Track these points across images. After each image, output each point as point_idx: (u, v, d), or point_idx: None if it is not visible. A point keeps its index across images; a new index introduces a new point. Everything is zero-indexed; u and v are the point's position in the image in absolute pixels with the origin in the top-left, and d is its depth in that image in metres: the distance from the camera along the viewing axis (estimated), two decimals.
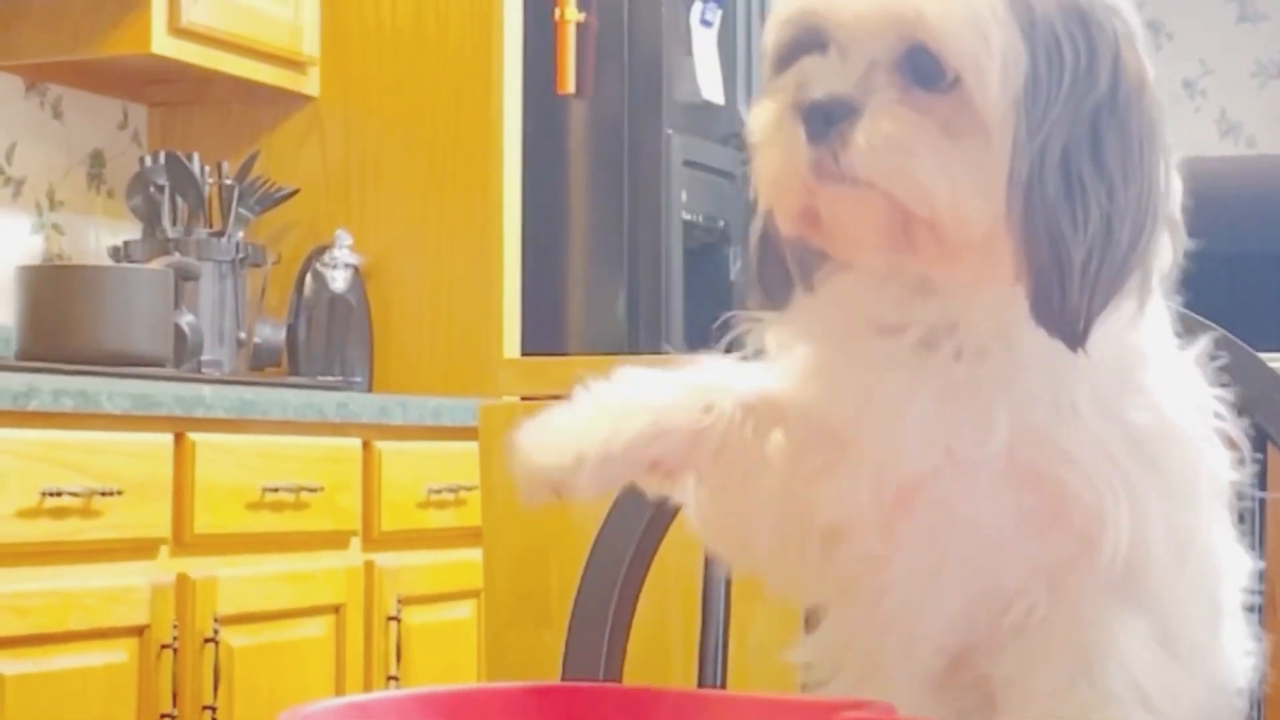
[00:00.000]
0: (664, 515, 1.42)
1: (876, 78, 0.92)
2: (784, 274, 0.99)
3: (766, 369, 1.02)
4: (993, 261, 0.92)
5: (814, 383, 0.99)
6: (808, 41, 0.94)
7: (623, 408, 1.01)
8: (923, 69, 0.91)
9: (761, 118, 0.95)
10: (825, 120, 0.91)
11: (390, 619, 3.35)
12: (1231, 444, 1.01)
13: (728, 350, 1.06)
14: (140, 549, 2.91)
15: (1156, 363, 0.98)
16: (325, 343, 3.83)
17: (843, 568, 1.00)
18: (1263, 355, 1.30)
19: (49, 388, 2.73)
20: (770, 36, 0.97)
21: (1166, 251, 0.95)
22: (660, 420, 1.00)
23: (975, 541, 0.96)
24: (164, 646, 2.88)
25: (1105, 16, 0.93)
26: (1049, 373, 0.94)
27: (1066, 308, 0.91)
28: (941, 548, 0.97)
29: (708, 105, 4.15)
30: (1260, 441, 1.28)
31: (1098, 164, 0.91)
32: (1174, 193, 0.96)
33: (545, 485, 1.02)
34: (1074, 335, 0.91)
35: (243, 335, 3.75)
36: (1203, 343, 1.01)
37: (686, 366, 1.03)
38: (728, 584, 1.40)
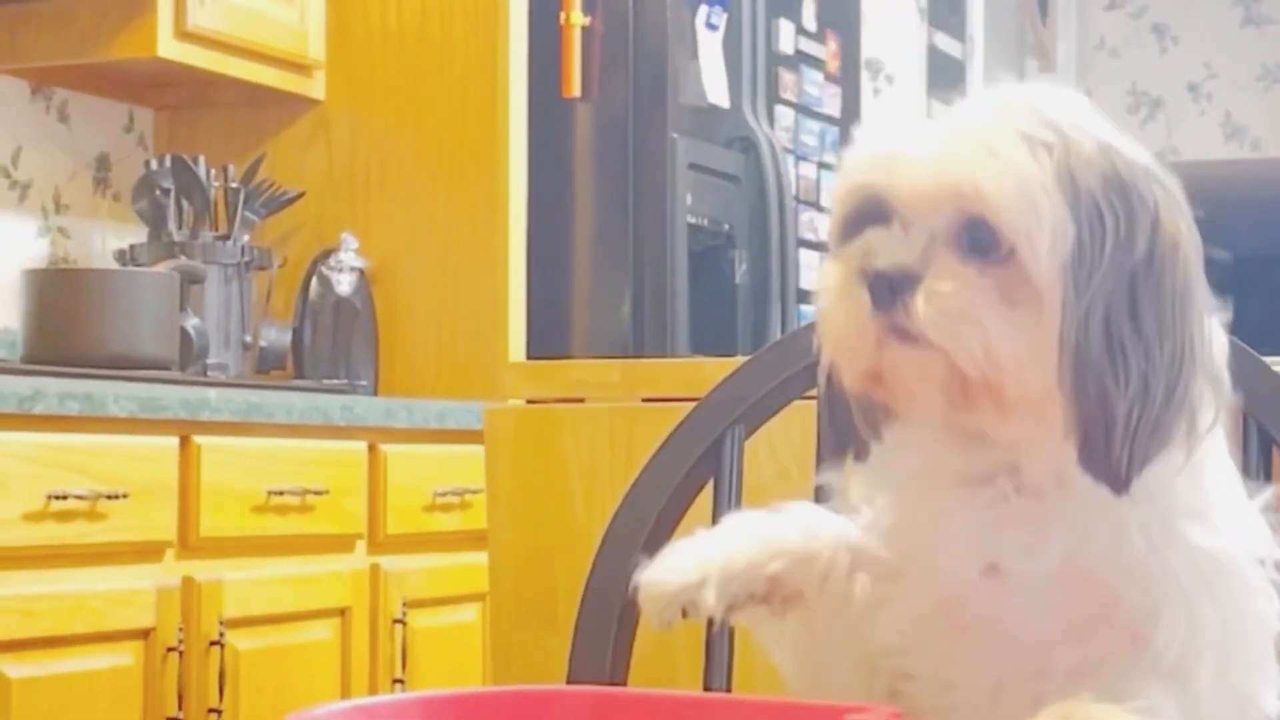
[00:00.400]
0: (669, 518, 1.42)
1: (937, 249, 0.98)
2: (852, 425, 1.06)
3: (853, 519, 1.09)
4: (1044, 417, 0.98)
5: (885, 527, 1.05)
6: (872, 212, 1.01)
7: (737, 536, 1.09)
8: (979, 239, 0.98)
9: (828, 282, 1.02)
10: (890, 289, 0.98)
11: (396, 622, 3.35)
12: None
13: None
14: (146, 552, 2.91)
15: (1221, 505, 1.02)
16: (331, 346, 3.83)
17: (908, 699, 1.05)
18: (1268, 359, 1.30)
19: (55, 391, 2.74)
20: (836, 206, 1.04)
21: (1210, 403, 1.00)
22: (773, 543, 1.08)
23: (1032, 658, 1.00)
24: (169, 649, 2.89)
25: (1145, 185, 0.99)
26: (1106, 510, 0.99)
27: (1111, 458, 0.97)
28: (999, 668, 1.02)
29: (713, 109, 4.15)
30: (1264, 445, 1.28)
31: (1136, 325, 0.97)
32: (1216, 347, 1.01)
33: (674, 604, 1.09)
34: (1118, 482, 0.97)
35: (248, 338, 3.75)
36: (1268, 493, 1.04)
37: (783, 511, 1.11)
38: None
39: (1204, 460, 1.02)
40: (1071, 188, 0.97)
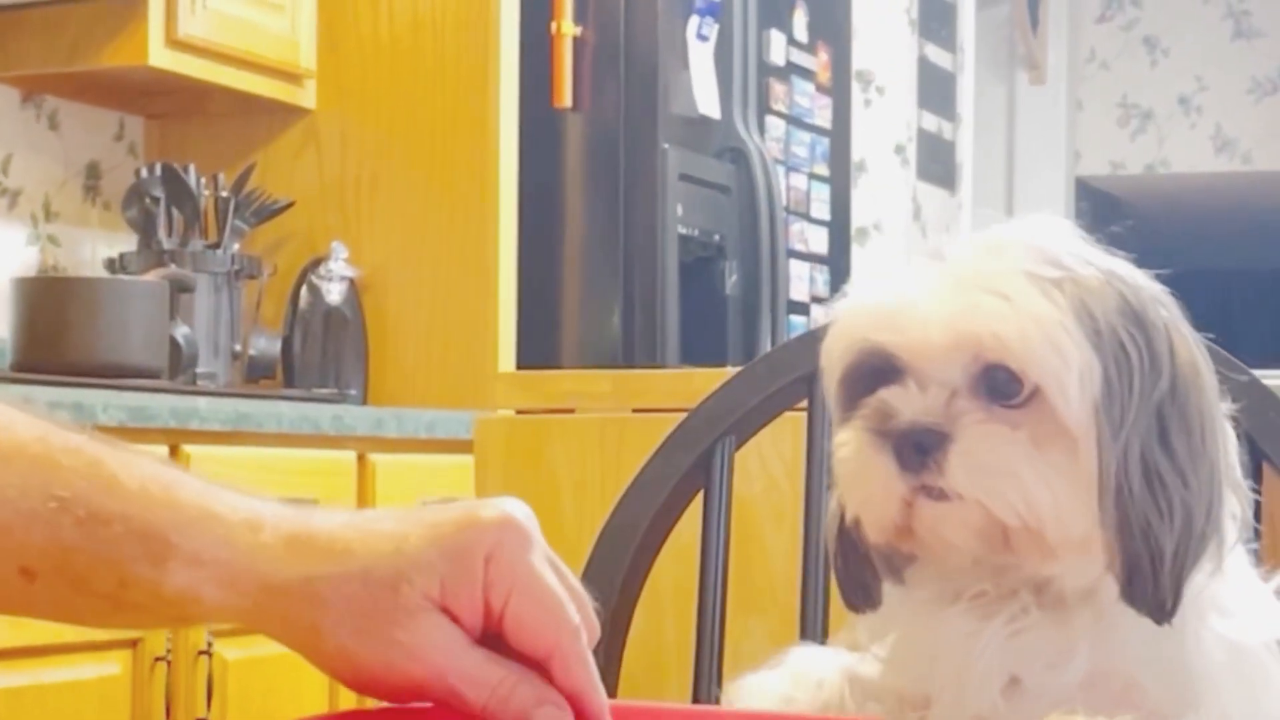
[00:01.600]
0: (659, 529, 1.42)
1: (960, 403, 0.95)
2: (870, 572, 1.03)
3: (863, 656, 1.07)
4: (1088, 555, 0.96)
5: (900, 655, 1.03)
6: (879, 368, 0.98)
7: (746, 698, 1.06)
8: (1000, 385, 0.95)
9: (847, 447, 0.98)
10: (917, 449, 0.95)
11: None
12: None
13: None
14: None
15: (1242, 595, 1.02)
16: (320, 355, 3.83)
17: None
18: (1258, 372, 1.30)
19: (44, 399, 2.73)
20: (834, 362, 1.00)
21: (1236, 511, 0.99)
22: (788, 701, 1.05)
23: None
24: (157, 659, 2.88)
25: (1154, 311, 0.97)
26: (1133, 615, 0.98)
27: (1157, 592, 0.96)
28: None
29: (704, 119, 4.15)
30: (1255, 460, 1.28)
31: (1169, 455, 0.95)
32: (1233, 453, 1.00)
33: None
34: (1163, 613, 0.96)
35: (238, 347, 3.75)
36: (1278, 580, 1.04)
37: (789, 657, 1.08)
38: (723, 598, 1.40)
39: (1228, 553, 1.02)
40: (1091, 324, 0.95)
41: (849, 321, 0.99)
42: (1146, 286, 0.98)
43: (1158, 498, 0.95)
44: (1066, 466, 0.95)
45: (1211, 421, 0.97)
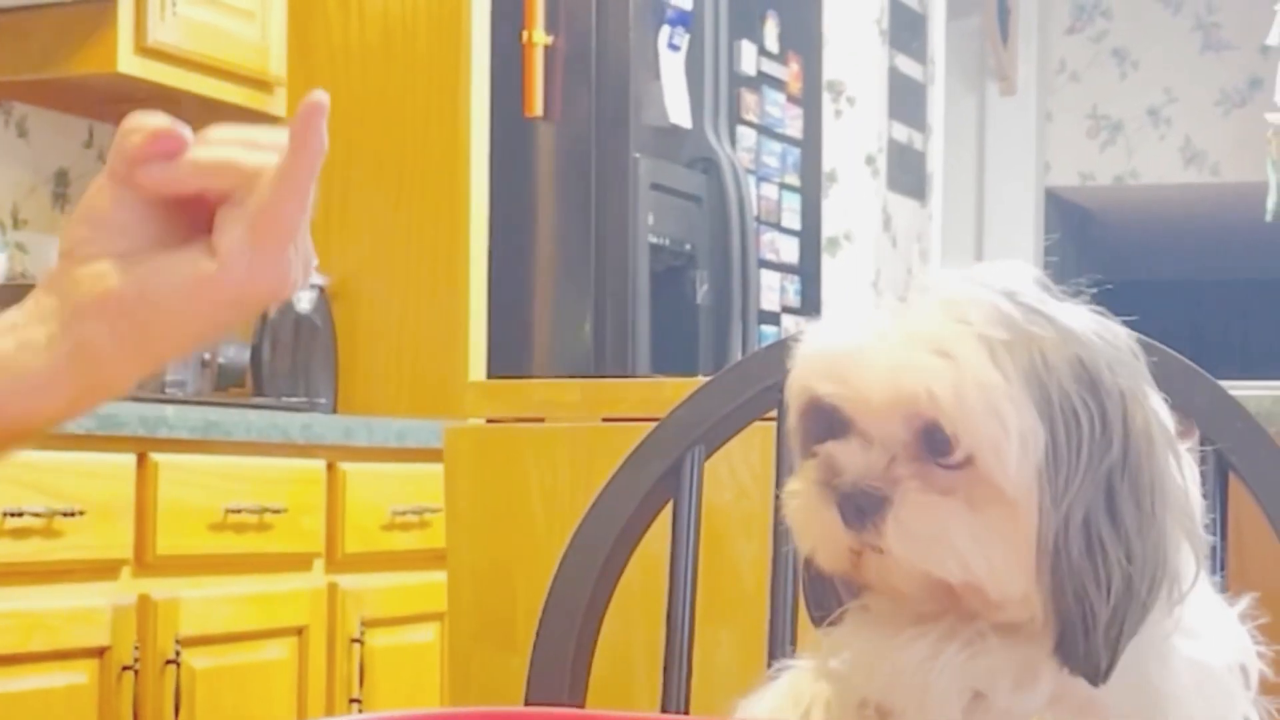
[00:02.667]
0: (629, 538, 1.42)
1: (899, 467, 0.96)
2: (832, 592, 1.05)
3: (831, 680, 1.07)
4: (1031, 610, 0.97)
5: (860, 678, 1.03)
6: (828, 420, 0.99)
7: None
8: (939, 446, 0.95)
9: (796, 498, 1.00)
10: (858, 511, 0.96)
11: (353, 641, 3.34)
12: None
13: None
14: (102, 570, 2.90)
15: (1207, 618, 1.02)
16: (290, 363, 3.82)
17: None
18: (1225, 383, 1.31)
19: None
20: (791, 402, 1.02)
21: (1189, 553, 0.98)
22: None
23: None
24: (125, 668, 2.87)
25: (1111, 379, 0.96)
26: None
27: (1090, 655, 0.96)
28: None
29: (675, 129, 4.16)
30: (1221, 471, 1.28)
31: (1115, 523, 0.95)
32: (1193, 495, 0.99)
33: None
34: (1097, 674, 0.96)
35: (207, 355, 3.74)
36: (1245, 602, 1.04)
37: (774, 679, 1.09)
38: (692, 608, 1.40)
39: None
40: (1040, 390, 0.94)
41: (803, 367, 1.00)
42: (1109, 346, 0.97)
43: (1097, 565, 0.94)
44: (1004, 528, 0.95)
45: (1163, 491, 0.96)
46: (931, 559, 0.95)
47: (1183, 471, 0.99)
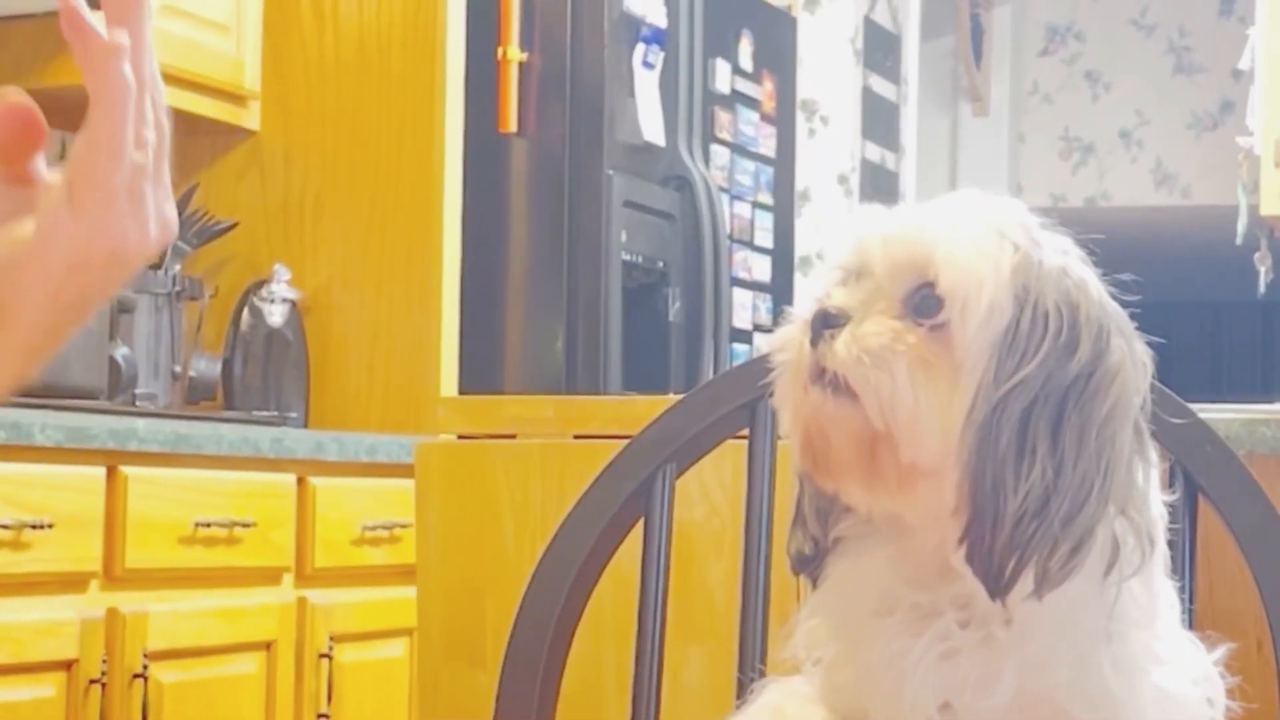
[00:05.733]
0: (599, 556, 1.42)
1: (879, 301, 1.01)
2: (809, 536, 1.07)
3: (810, 677, 1.09)
4: (938, 491, 0.99)
5: (837, 674, 1.05)
6: (858, 273, 1.05)
7: None
8: (925, 303, 1.00)
9: (783, 329, 1.05)
10: (824, 326, 1.01)
11: (322, 656, 3.33)
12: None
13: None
14: (70, 582, 2.89)
15: (1177, 651, 1.03)
16: (261, 377, 3.81)
17: None
18: (1195, 406, 1.31)
19: None
20: (825, 278, 1.07)
21: (1134, 548, 0.99)
22: None
23: None
24: (92, 681, 2.86)
25: (1098, 315, 1.00)
26: (1062, 641, 1.00)
27: (993, 556, 0.97)
28: None
29: (649, 146, 4.16)
30: (1190, 493, 1.29)
31: (1054, 437, 0.97)
32: (1153, 502, 1.01)
33: None
34: (995, 585, 0.97)
35: (178, 368, 3.73)
36: (1220, 651, 1.05)
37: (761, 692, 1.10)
38: (662, 625, 1.40)
39: (1160, 607, 1.03)
40: (1024, 280, 0.99)
41: (839, 241, 1.06)
42: (1105, 302, 1.01)
43: (1022, 463, 0.96)
44: (943, 389, 0.98)
45: (1113, 435, 0.98)
46: (864, 381, 0.98)
47: (1147, 459, 1.01)
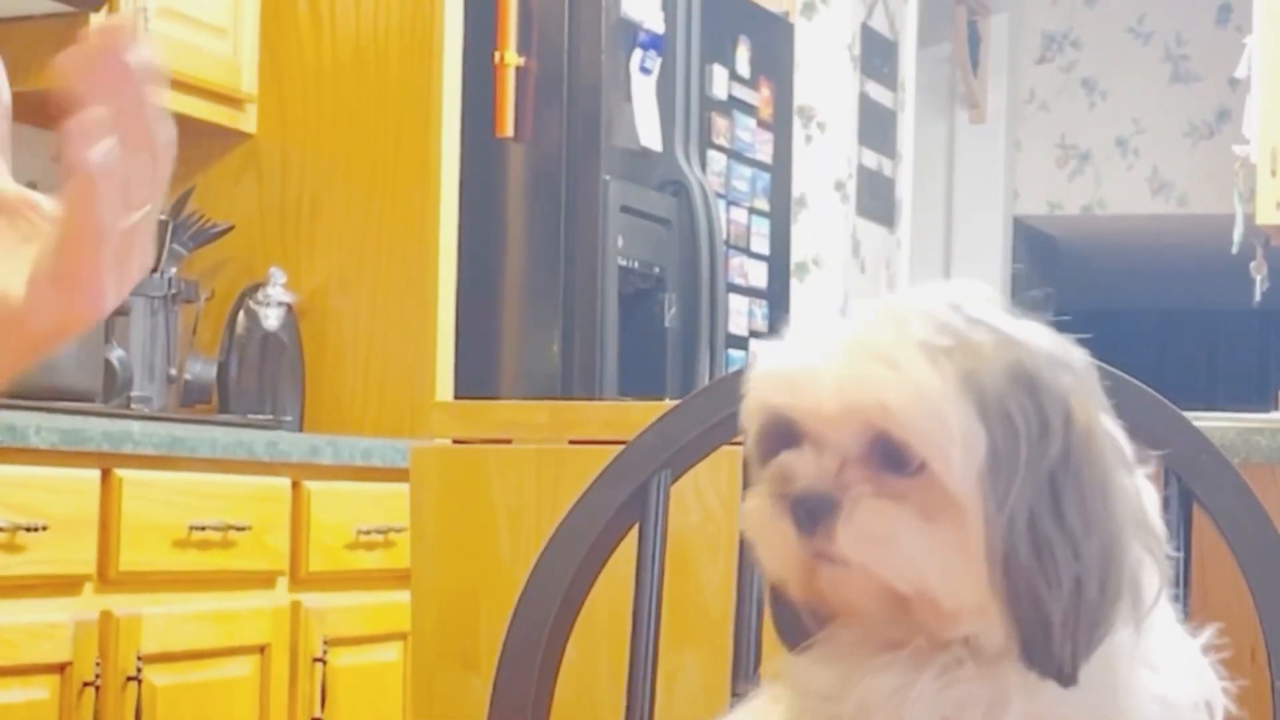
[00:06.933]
0: (594, 560, 1.42)
1: (850, 472, 0.97)
2: (799, 621, 1.04)
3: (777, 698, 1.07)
4: (988, 619, 0.97)
5: (834, 705, 1.02)
6: (783, 432, 1.00)
7: None
8: (892, 456, 0.96)
9: (753, 508, 1.00)
10: (810, 517, 0.97)
11: (316, 660, 3.33)
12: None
13: None
14: (65, 585, 2.88)
15: (1170, 653, 1.02)
16: (256, 381, 3.81)
17: None
18: (1190, 414, 1.32)
19: None
20: (748, 422, 1.03)
21: (1152, 570, 0.99)
22: None
23: None
24: (86, 684, 2.86)
25: (1053, 375, 0.96)
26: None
27: (1052, 656, 0.96)
28: None
29: (646, 152, 4.16)
30: (1184, 500, 1.29)
31: (1060, 524, 0.95)
32: (1149, 507, 1.00)
33: None
34: (1064, 676, 0.96)
35: (173, 371, 3.73)
36: (1209, 633, 1.04)
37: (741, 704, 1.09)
38: (657, 630, 1.40)
39: (1162, 615, 1.02)
40: (977, 393, 0.95)
41: (758, 385, 1.01)
42: (1049, 350, 0.97)
43: (1046, 567, 0.94)
44: (955, 537, 0.95)
45: (1108, 491, 0.97)
46: (883, 564, 0.95)
47: (1137, 485, 0.99)
